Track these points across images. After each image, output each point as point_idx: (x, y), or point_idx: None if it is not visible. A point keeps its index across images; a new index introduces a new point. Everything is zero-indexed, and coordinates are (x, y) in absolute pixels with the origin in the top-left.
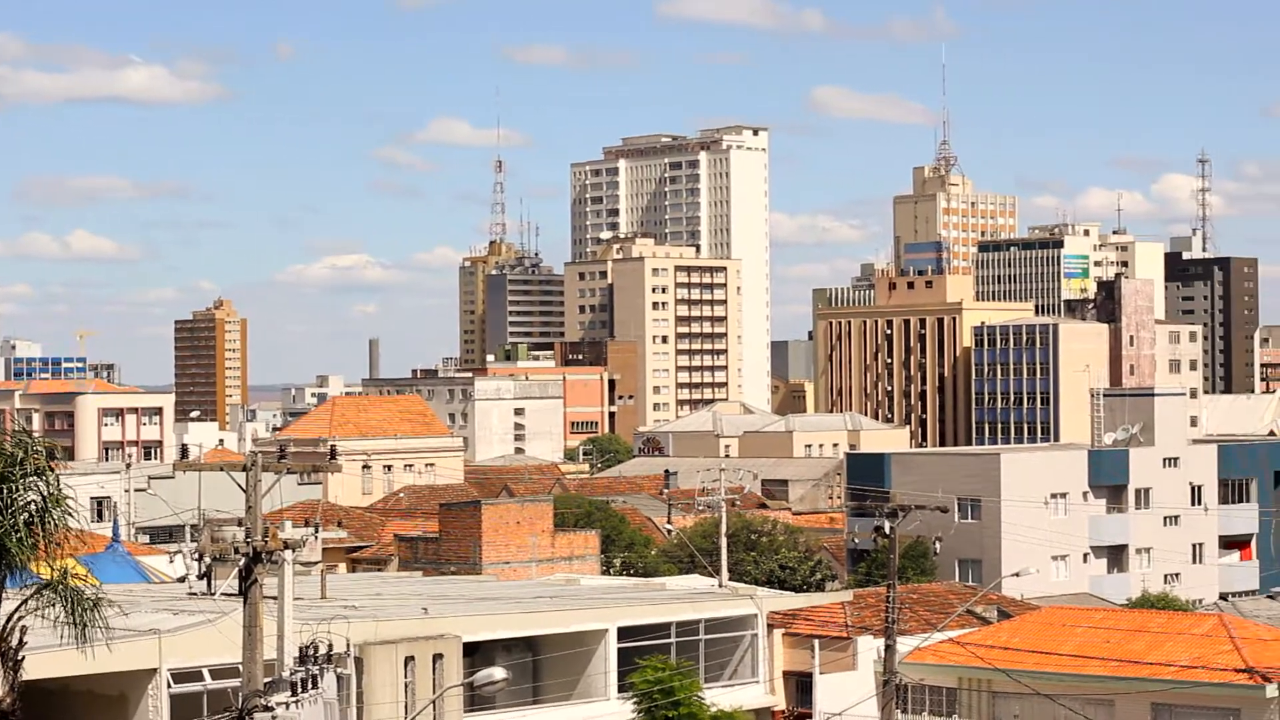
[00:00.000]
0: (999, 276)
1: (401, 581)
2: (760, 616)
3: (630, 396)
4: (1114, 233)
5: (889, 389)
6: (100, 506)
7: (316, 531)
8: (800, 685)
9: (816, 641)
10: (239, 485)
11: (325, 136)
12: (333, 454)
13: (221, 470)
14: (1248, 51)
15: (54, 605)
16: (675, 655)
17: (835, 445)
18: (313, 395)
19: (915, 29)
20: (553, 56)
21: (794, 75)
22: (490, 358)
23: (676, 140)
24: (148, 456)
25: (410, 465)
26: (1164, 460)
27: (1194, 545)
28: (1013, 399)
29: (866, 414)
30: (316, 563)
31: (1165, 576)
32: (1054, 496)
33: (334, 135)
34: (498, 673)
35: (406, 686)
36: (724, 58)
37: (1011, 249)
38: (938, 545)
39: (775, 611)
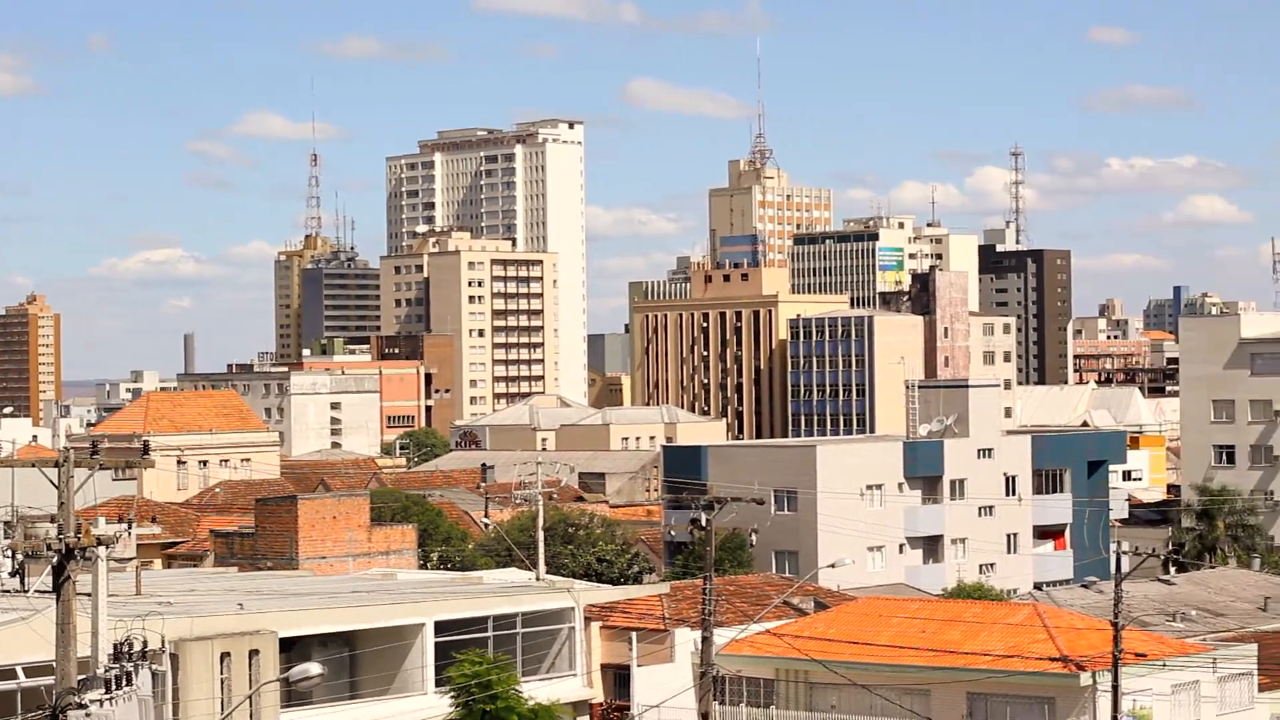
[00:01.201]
0: (814, 269)
1: (217, 577)
2: (577, 609)
3: (447, 390)
4: (928, 225)
5: (705, 382)
6: None
7: (131, 527)
8: (618, 678)
9: (634, 634)
10: (51, 482)
11: (139, 130)
12: (145, 449)
13: (34, 466)
14: (1060, 46)
15: None
16: (493, 649)
17: (652, 438)
18: (127, 391)
19: (730, 22)
20: (367, 49)
21: (609, 68)
22: (306, 352)
23: (492, 134)
24: None
25: (226, 460)
26: (979, 451)
27: (1009, 535)
28: (828, 391)
29: (683, 407)
30: (131, 559)
31: (980, 567)
32: (870, 488)
33: (148, 128)
34: (313, 668)
35: (222, 683)
36: (539, 51)
37: (827, 242)
38: (754, 537)
39: (593, 604)
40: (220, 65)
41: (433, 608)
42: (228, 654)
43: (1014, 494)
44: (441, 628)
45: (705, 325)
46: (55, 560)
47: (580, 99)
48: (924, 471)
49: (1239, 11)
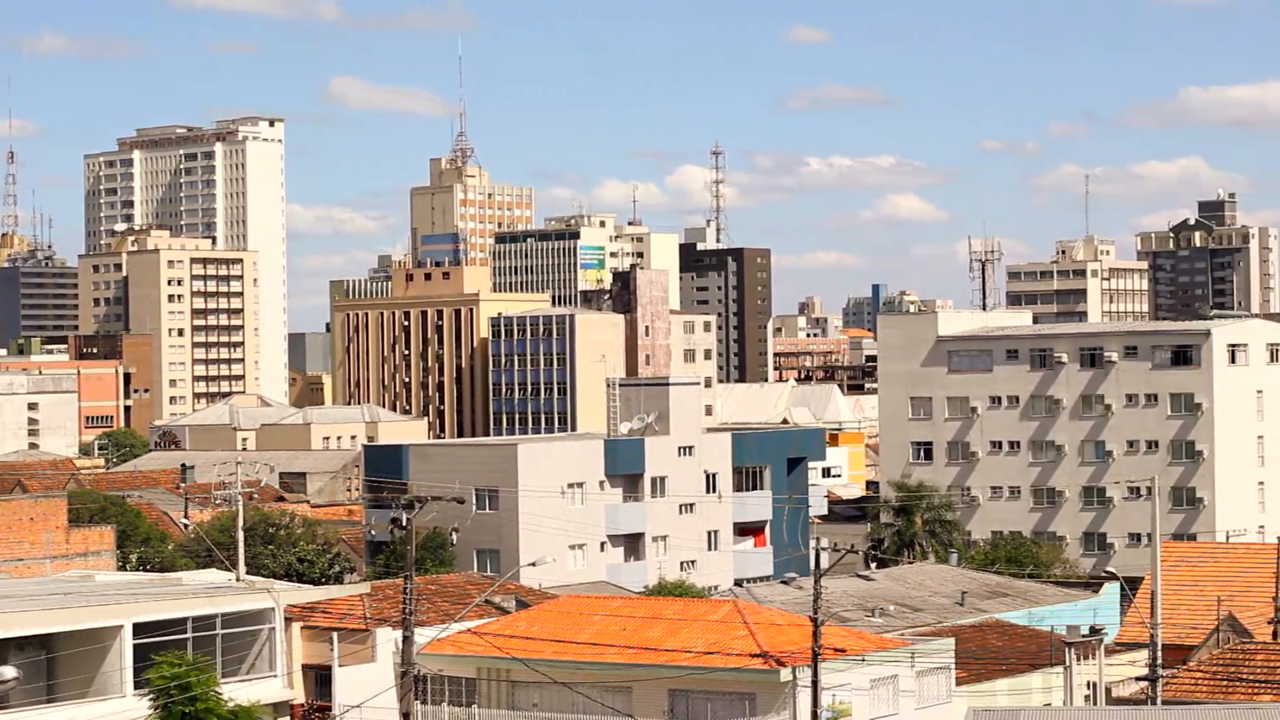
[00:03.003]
0: (516, 268)
1: None
2: (278, 610)
3: (146, 390)
4: (629, 224)
5: (407, 381)
6: None
7: None
8: (319, 678)
9: (335, 634)
10: None
11: None
12: None
13: None
14: (760, 45)
15: None
16: (192, 650)
17: (353, 437)
18: None
19: (432, 20)
20: (65, 46)
21: (310, 66)
22: (3, 352)
23: (192, 131)
24: None
25: None
26: (679, 449)
27: (709, 533)
28: (530, 389)
29: (385, 406)
30: None
31: (681, 564)
32: (571, 486)
33: None
34: (8, 671)
35: None
36: (239, 48)
37: (528, 240)
38: (455, 536)
39: (293, 605)
40: None
41: (131, 609)
42: None
43: (714, 491)
44: (140, 629)
45: (406, 324)
46: None
47: (281, 97)
48: (625, 469)
49: (935, 13)
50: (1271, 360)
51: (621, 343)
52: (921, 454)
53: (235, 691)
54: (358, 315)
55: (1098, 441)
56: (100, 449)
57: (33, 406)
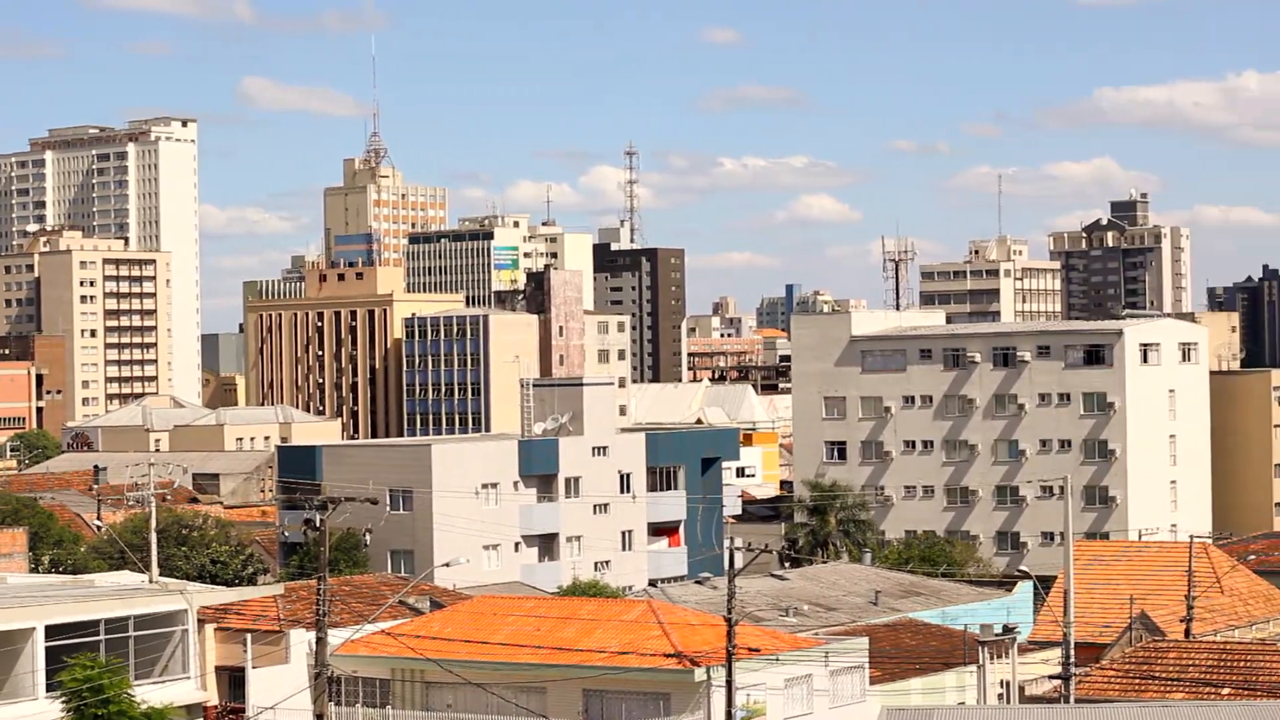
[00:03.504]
0: (430, 268)
1: None
2: (191, 612)
3: (58, 391)
4: (543, 224)
5: (320, 381)
6: None
7: None
8: (233, 680)
9: (249, 635)
10: None
11: None
12: None
13: None
14: (674, 45)
15: None
16: (105, 652)
17: (267, 438)
18: None
19: (345, 20)
20: None
21: (222, 66)
22: None
23: (104, 132)
24: None
25: None
26: (593, 449)
27: (623, 533)
28: (444, 390)
29: (298, 407)
30: None
31: (596, 564)
32: (485, 486)
33: None
34: None
35: None
36: (152, 48)
37: (442, 241)
38: (368, 537)
39: (206, 606)
40: None
41: (43, 612)
42: None
43: (628, 491)
44: (52, 632)
45: (320, 325)
46: None
47: (194, 97)
48: (539, 470)
49: (847, 13)
50: (1183, 360)
51: (535, 343)
52: (835, 453)
53: (148, 694)
54: (271, 316)
55: (1011, 441)
56: (12, 450)
57: None
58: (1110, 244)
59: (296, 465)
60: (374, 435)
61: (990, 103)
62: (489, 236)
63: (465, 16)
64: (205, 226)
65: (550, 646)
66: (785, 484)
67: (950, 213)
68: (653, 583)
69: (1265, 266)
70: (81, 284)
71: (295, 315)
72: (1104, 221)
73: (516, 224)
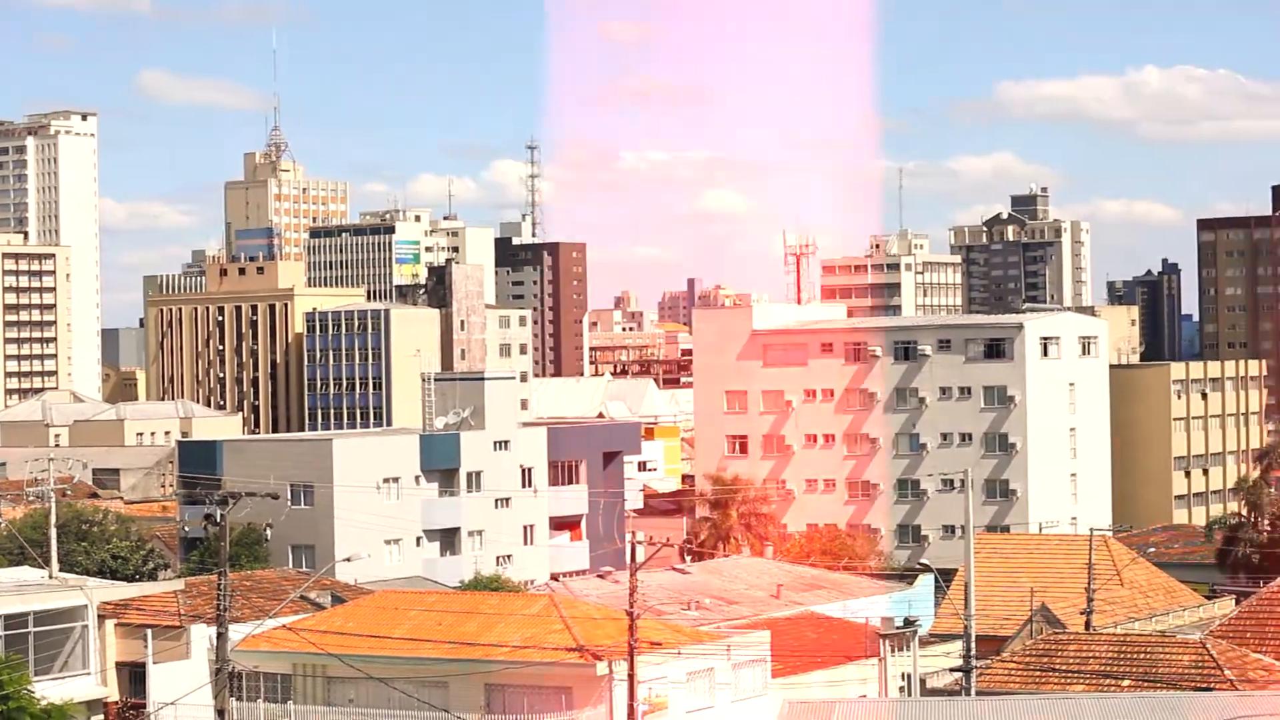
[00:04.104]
0: (331, 263)
1: None
2: (91, 607)
3: None
4: (445, 219)
5: (221, 376)
6: None
7: None
8: (134, 675)
9: (149, 631)
10: None
11: None
12: None
13: None
14: (574, 38)
15: None
16: (4, 649)
17: (167, 433)
18: None
19: (246, 12)
20: None
21: (122, 59)
22: None
23: (3, 125)
24: None
25: None
26: (495, 443)
27: (525, 527)
28: (345, 385)
29: (199, 402)
30: None
31: (498, 558)
32: (386, 481)
33: None
34: None
35: None
36: (51, 41)
37: (343, 235)
38: (269, 532)
39: (107, 602)
40: None
41: None
42: None
43: (530, 486)
44: None
45: (220, 319)
46: None
47: (93, 90)
48: (440, 464)
49: (750, 5)
50: (1083, 353)
51: (437, 337)
52: (737, 447)
53: (48, 689)
54: (172, 310)
55: (912, 434)
56: None
57: None
58: (1011, 238)
59: (197, 460)
60: (275, 430)
61: (893, 97)
62: (390, 231)
63: (367, 10)
64: (105, 221)
65: (452, 641)
66: (687, 478)
67: (852, 207)
68: (554, 577)
69: (1164, 260)
70: None
71: (196, 310)
72: (1004, 216)
73: (418, 218)
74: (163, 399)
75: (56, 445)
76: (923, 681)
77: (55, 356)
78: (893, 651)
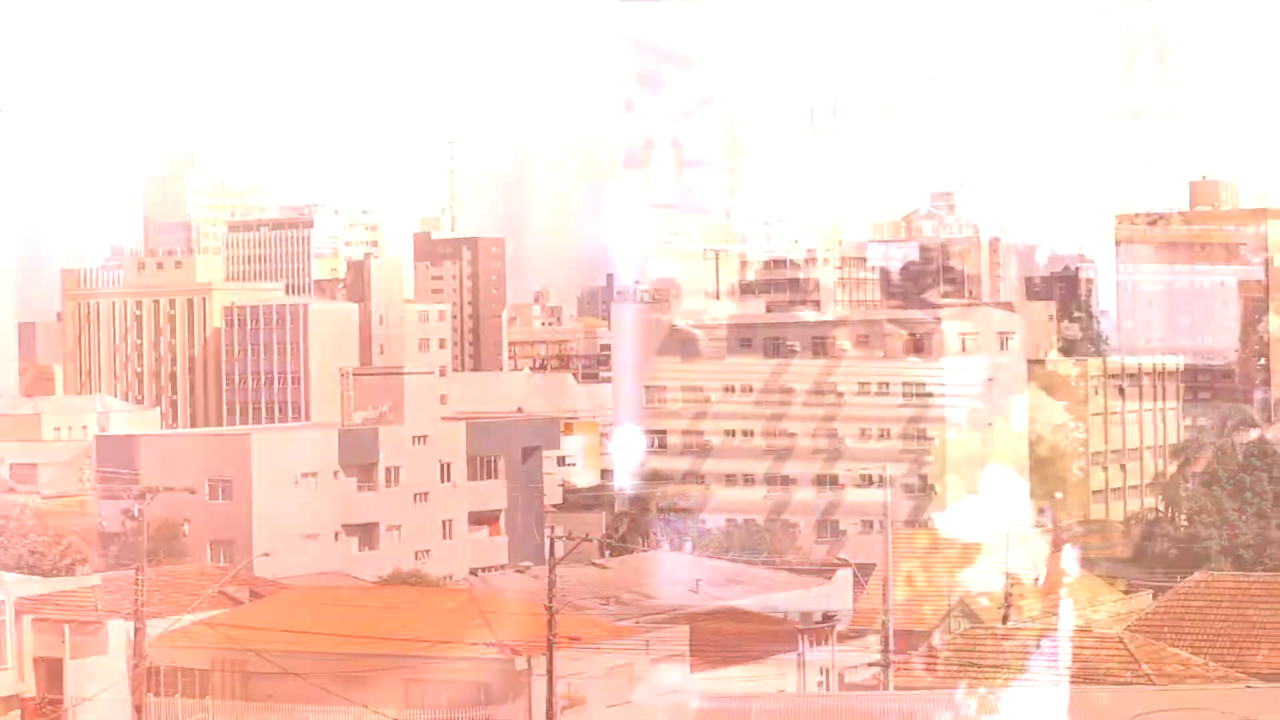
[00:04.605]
0: (249, 257)
1: None
2: (8, 602)
3: None
4: (364, 213)
5: (139, 370)
6: None
7: None
8: (51, 671)
9: (67, 626)
10: None
11: None
12: None
13: None
14: (492, 35)
15: None
16: None
17: (85, 428)
18: None
19: None
20: None
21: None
22: None
23: None
24: None
25: None
26: (414, 438)
27: (444, 522)
28: (263, 379)
29: (117, 396)
30: None
31: (416, 553)
32: (305, 475)
33: None
34: None
35: None
36: None
37: (262, 229)
38: (187, 527)
39: (24, 597)
40: None
41: None
42: None
43: (449, 480)
44: None
45: (139, 313)
46: None
47: (8, 79)
48: (359, 459)
49: (672, 5)
50: (1001, 348)
51: (355, 332)
52: (656, 443)
53: None
54: (89, 304)
55: (830, 430)
56: None
57: None
58: (928, 233)
59: (115, 455)
60: (193, 424)
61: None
62: (309, 225)
63: (287, 3)
64: (21, 214)
65: (371, 636)
66: (606, 473)
67: None
68: (474, 571)
69: (1082, 255)
70: None
71: (114, 304)
72: (923, 211)
73: (337, 212)
74: (80, 393)
75: None
76: (841, 676)
77: None
78: (811, 646)
